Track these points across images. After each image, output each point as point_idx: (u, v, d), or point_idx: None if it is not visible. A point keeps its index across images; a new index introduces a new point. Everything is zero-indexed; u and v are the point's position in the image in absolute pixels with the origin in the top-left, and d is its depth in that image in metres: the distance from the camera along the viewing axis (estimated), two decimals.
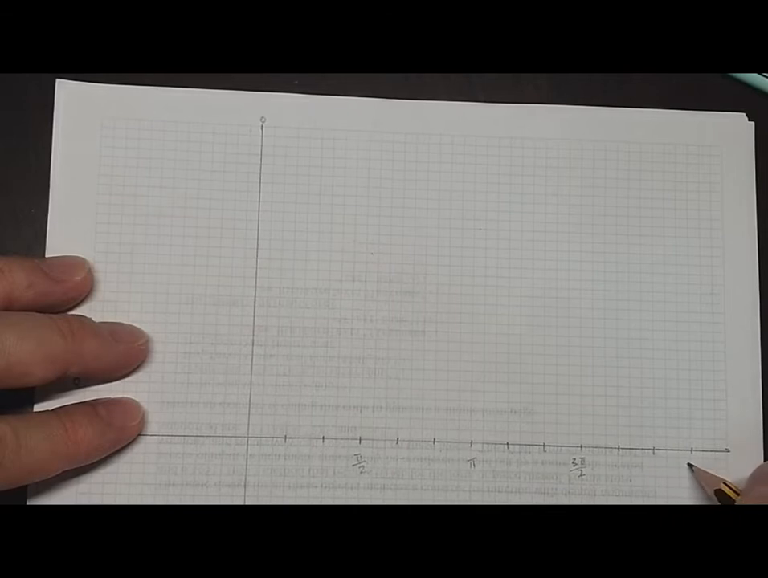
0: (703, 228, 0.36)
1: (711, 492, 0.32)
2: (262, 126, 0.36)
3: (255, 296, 0.34)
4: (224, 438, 0.33)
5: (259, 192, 0.35)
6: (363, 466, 0.33)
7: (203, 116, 0.35)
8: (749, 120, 0.36)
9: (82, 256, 0.33)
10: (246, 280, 0.35)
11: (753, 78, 0.37)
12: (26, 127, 0.35)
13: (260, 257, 0.35)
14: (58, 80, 0.35)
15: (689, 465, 0.34)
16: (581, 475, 0.34)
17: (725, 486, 0.32)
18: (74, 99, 0.35)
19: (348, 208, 0.35)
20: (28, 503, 0.32)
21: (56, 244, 0.34)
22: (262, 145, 0.35)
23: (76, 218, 0.34)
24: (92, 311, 0.34)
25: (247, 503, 0.33)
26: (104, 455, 0.31)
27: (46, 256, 0.34)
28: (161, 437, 0.33)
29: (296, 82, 0.36)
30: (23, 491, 0.32)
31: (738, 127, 0.36)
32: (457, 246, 0.35)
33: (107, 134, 0.35)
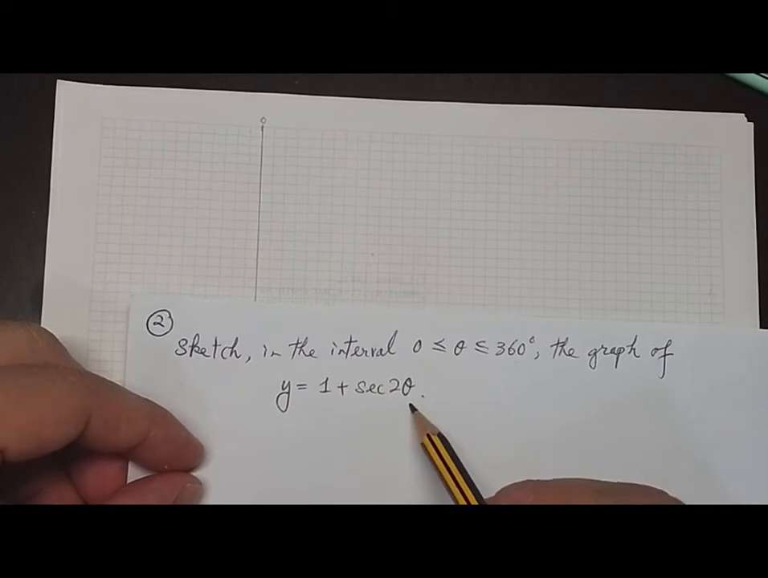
0: (702, 228, 0.36)
1: (421, 440, 0.32)
2: (262, 126, 0.36)
3: (256, 296, 0.34)
4: None
5: (259, 192, 0.35)
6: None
7: (203, 116, 0.35)
8: (748, 121, 0.37)
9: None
10: (246, 280, 0.35)
11: (752, 78, 0.37)
12: (26, 127, 0.35)
13: (260, 257, 0.35)
14: (58, 80, 0.35)
15: (411, 406, 0.33)
16: None
17: (429, 438, 0.31)
18: (74, 99, 0.35)
19: (348, 208, 0.35)
20: (28, 503, 0.32)
21: (56, 244, 0.34)
22: (262, 145, 0.35)
23: (76, 218, 0.34)
24: (92, 311, 0.34)
25: None
26: None
27: (47, 257, 0.34)
28: None
29: (296, 82, 0.36)
30: None
31: (737, 127, 0.36)
32: (457, 247, 0.35)
33: (107, 134, 0.35)
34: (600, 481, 0.29)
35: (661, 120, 0.36)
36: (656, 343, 0.34)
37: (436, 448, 0.31)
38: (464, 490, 0.30)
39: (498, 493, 0.30)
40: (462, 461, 0.31)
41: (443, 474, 0.31)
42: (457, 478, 0.30)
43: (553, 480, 0.30)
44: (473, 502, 0.30)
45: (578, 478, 0.30)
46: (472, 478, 0.31)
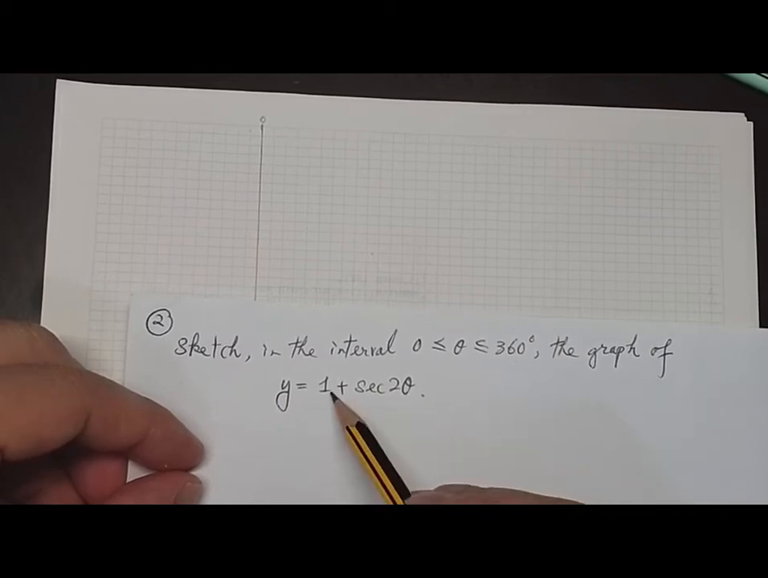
0: (702, 228, 0.36)
1: (344, 428, 0.32)
2: (262, 126, 0.36)
3: (256, 296, 0.34)
4: None
5: (259, 192, 0.35)
6: None
7: (203, 116, 0.35)
8: (747, 120, 0.37)
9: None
10: (246, 280, 0.35)
11: (753, 78, 0.37)
12: (26, 127, 0.35)
13: (260, 257, 0.35)
14: (58, 80, 0.35)
15: (332, 394, 0.33)
16: None
17: (353, 428, 0.31)
18: (74, 99, 0.35)
19: (348, 208, 0.35)
20: (28, 503, 0.32)
21: (56, 244, 0.34)
22: (262, 145, 0.35)
23: (76, 218, 0.34)
24: (92, 311, 0.34)
25: None
26: None
27: (47, 256, 0.34)
28: None
29: (296, 82, 0.36)
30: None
31: (737, 127, 0.36)
32: (457, 246, 0.35)
33: (107, 134, 0.35)
34: (533, 494, 0.28)
35: (661, 119, 0.36)
36: (656, 343, 0.34)
37: (356, 440, 0.31)
38: (386, 484, 0.30)
39: (426, 493, 0.30)
40: (387, 453, 0.31)
41: (365, 467, 0.30)
42: (378, 472, 0.30)
43: (489, 488, 0.29)
44: (396, 496, 0.30)
45: (512, 489, 0.29)
46: (397, 470, 0.30)
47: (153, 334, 0.33)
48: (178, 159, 0.35)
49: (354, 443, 0.31)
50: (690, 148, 0.36)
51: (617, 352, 0.34)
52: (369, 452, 0.31)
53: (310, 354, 0.34)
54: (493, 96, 0.36)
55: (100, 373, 0.31)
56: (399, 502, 0.30)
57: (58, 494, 0.30)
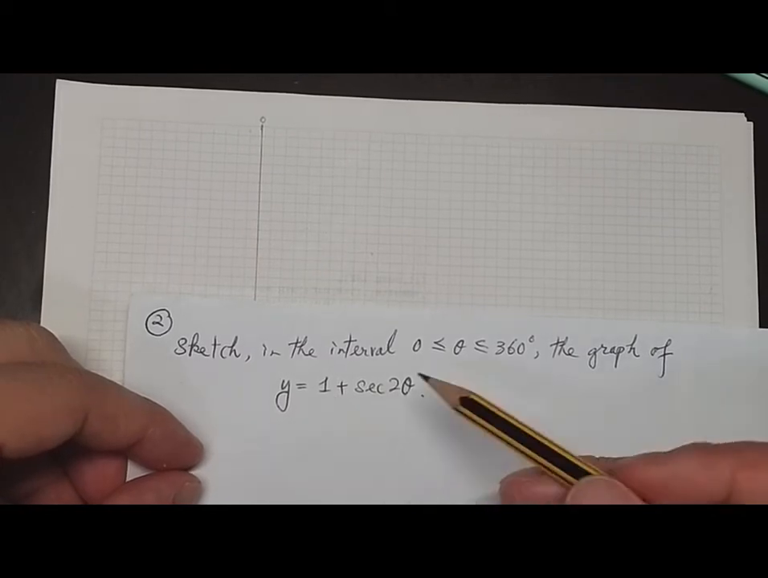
0: (702, 228, 0.36)
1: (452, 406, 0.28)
2: (262, 126, 0.36)
3: (255, 296, 0.34)
4: None
5: (259, 192, 0.35)
6: None
7: (203, 116, 0.35)
8: (747, 120, 0.37)
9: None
10: (245, 280, 0.35)
11: (752, 78, 0.37)
12: (26, 127, 0.35)
13: (260, 257, 0.35)
14: (58, 80, 0.35)
15: (423, 376, 0.30)
16: None
17: (476, 397, 0.27)
18: (74, 99, 0.35)
19: (348, 208, 0.35)
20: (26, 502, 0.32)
21: (56, 244, 0.34)
22: (262, 145, 0.35)
23: (76, 218, 0.34)
24: (92, 311, 0.34)
25: None
26: None
27: (47, 256, 0.34)
28: None
29: (296, 82, 0.36)
30: None
31: (737, 127, 0.36)
32: (457, 246, 0.35)
33: (107, 134, 0.35)
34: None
35: (661, 119, 0.36)
36: (656, 343, 0.34)
37: (482, 406, 0.27)
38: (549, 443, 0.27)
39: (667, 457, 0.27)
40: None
41: (521, 428, 0.27)
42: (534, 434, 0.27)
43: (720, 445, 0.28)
44: (565, 454, 0.27)
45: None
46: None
47: (153, 334, 0.33)
48: (178, 159, 0.35)
49: (488, 405, 0.27)
50: (690, 148, 0.36)
51: (617, 352, 0.34)
52: (505, 414, 0.27)
53: (310, 354, 0.34)
54: (493, 96, 0.36)
55: (100, 373, 0.31)
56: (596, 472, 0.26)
57: (56, 494, 0.30)
